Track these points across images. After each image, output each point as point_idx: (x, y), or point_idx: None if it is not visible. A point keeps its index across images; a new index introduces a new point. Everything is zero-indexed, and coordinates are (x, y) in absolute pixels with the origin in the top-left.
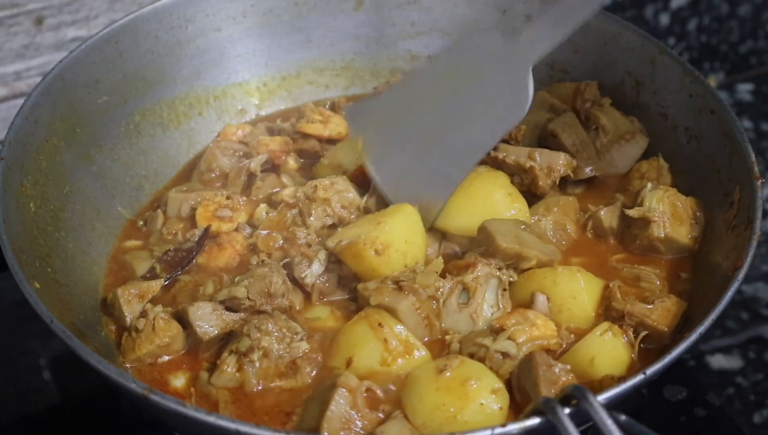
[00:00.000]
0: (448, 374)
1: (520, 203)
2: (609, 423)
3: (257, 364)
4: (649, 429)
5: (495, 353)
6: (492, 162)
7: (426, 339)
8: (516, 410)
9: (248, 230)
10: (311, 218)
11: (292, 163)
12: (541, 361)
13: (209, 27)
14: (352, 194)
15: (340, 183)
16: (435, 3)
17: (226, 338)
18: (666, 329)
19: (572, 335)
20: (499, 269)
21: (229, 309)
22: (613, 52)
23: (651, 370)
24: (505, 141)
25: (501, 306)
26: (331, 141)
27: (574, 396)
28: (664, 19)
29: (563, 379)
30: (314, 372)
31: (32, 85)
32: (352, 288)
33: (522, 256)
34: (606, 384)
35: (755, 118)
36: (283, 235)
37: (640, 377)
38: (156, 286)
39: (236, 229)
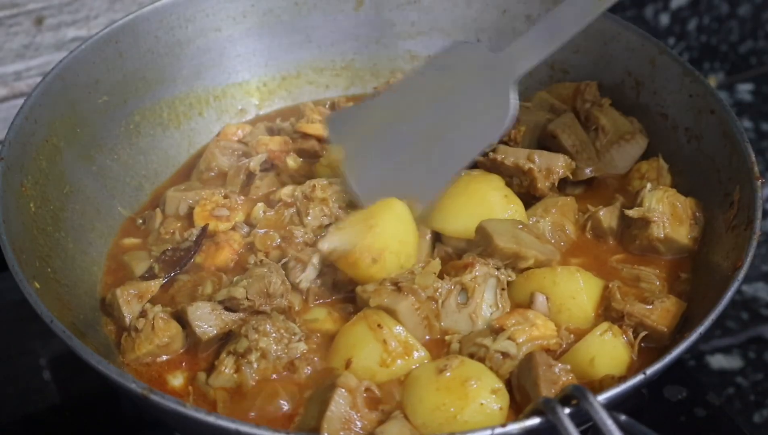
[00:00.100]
0: (448, 374)
1: (516, 205)
2: (609, 423)
3: (255, 365)
4: (649, 429)
5: (495, 353)
6: (490, 164)
7: (427, 337)
8: (516, 410)
9: (246, 229)
10: (309, 217)
11: (291, 162)
12: (541, 361)
13: (209, 27)
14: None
15: (338, 183)
16: (435, 3)
17: (225, 338)
18: (666, 329)
19: (572, 335)
20: (497, 269)
21: (228, 309)
22: (613, 52)
23: (651, 370)
24: (504, 142)
25: (500, 306)
26: None
27: (574, 396)
28: (664, 19)
29: (563, 379)
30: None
31: (32, 85)
32: (347, 290)
33: (520, 255)
34: (606, 384)
35: (755, 118)
36: (280, 234)
37: (640, 377)
38: (155, 286)
39: (233, 228)
